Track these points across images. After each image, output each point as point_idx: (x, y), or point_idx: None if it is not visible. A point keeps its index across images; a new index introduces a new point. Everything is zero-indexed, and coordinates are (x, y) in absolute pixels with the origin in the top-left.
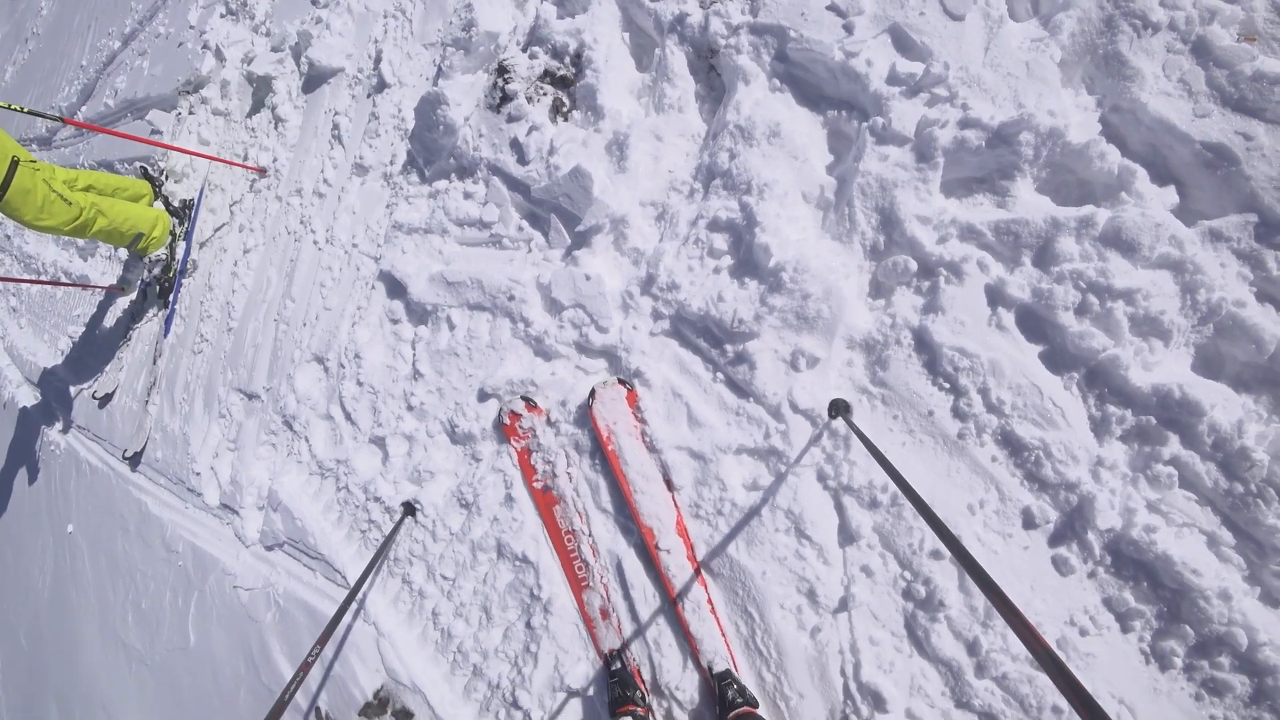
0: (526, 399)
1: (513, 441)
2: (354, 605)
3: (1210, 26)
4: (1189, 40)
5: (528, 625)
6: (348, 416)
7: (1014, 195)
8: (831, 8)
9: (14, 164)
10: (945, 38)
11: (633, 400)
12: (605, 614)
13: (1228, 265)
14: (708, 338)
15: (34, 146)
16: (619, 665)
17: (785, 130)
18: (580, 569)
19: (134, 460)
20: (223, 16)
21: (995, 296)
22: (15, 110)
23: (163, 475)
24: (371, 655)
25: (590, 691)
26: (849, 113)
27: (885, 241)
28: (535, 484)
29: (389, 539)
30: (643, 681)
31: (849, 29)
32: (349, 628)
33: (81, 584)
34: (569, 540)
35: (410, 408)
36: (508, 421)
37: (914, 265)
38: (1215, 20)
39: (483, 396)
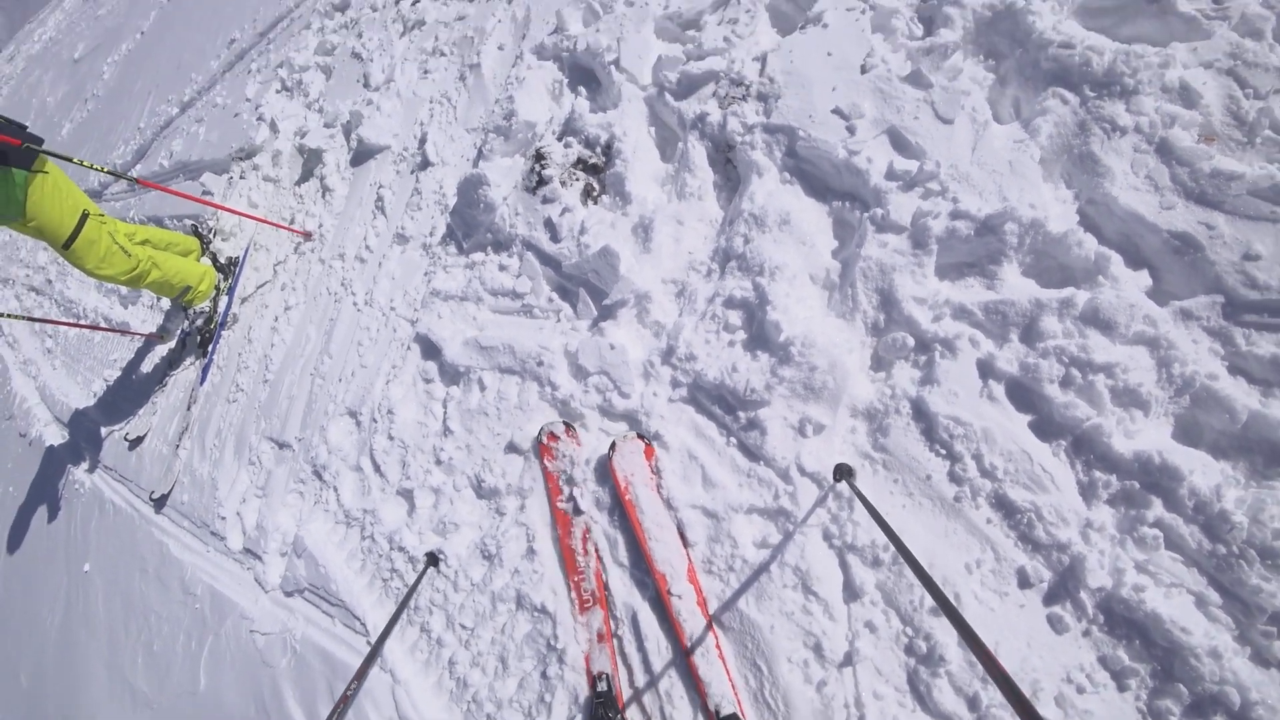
0: (568, 424)
1: (545, 460)
2: (371, 651)
3: (1172, 130)
4: (1153, 142)
5: (543, 675)
6: (377, 469)
7: (1001, 278)
8: (836, 111)
9: (84, 216)
10: (937, 139)
11: (650, 454)
12: (601, 637)
13: (1199, 341)
14: (722, 405)
15: None
16: (605, 687)
17: (795, 218)
18: (585, 593)
19: (160, 502)
20: (278, 92)
21: (986, 370)
22: (91, 169)
23: (187, 518)
24: (386, 702)
25: None
26: (851, 204)
27: (885, 320)
28: (560, 504)
29: (413, 587)
30: (624, 706)
31: (851, 130)
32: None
33: (93, 624)
34: (581, 560)
35: (439, 462)
36: (545, 441)
37: (911, 341)
38: (1176, 124)
39: (510, 450)
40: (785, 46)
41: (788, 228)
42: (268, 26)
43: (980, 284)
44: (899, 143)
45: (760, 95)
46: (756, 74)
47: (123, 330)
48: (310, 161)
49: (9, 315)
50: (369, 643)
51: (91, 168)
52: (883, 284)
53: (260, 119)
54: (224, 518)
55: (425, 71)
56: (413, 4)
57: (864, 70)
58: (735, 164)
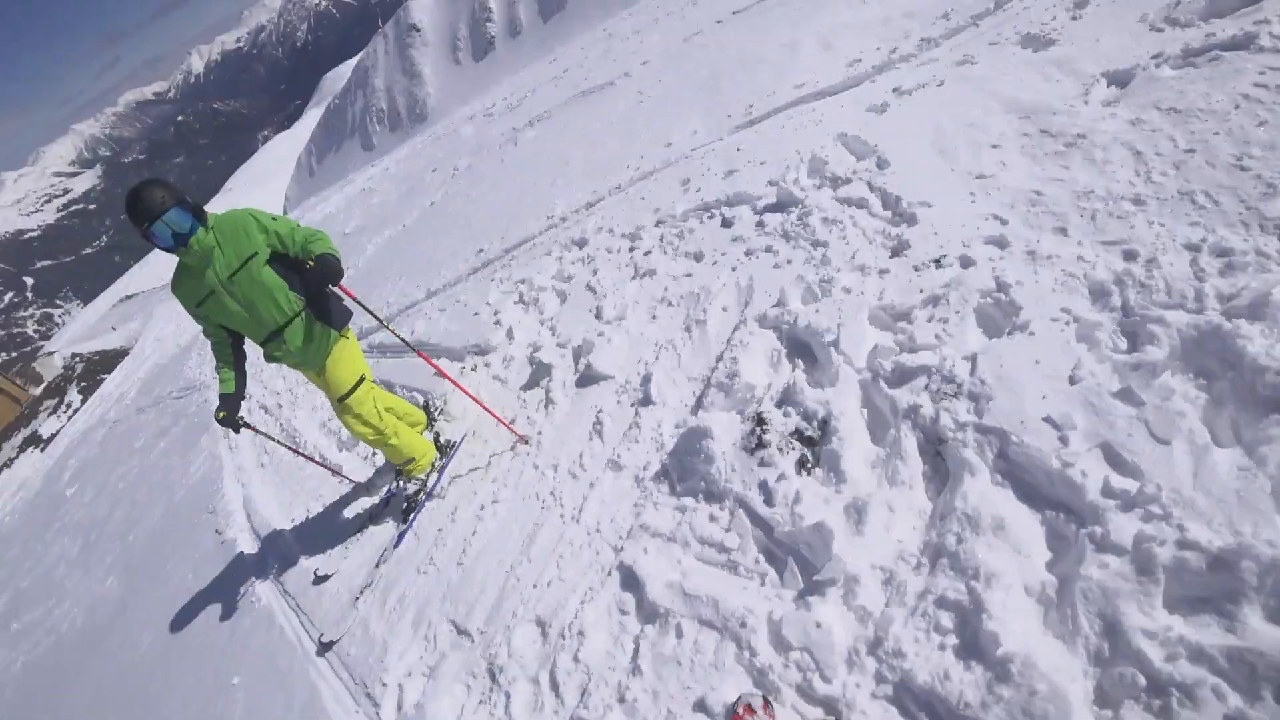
0: (767, 698)
1: None
2: None
3: None
4: None
5: None
6: (555, 688)
7: (1243, 621)
8: (1047, 419)
9: (361, 379)
10: (1155, 459)
11: None
12: None
13: None
14: (929, 713)
15: None
16: None
17: (1009, 524)
18: None
19: (326, 646)
20: (516, 303)
21: None
22: (384, 326)
23: (347, 671)
24: None
25: None
26: (1066, 516)
27: (1109, 649)
28: None
29: None
30: None
31: (1064, 440)
32: None
33: None
34: None
35: (621, 700)
36: (740, 712)
37: (1142, 680)
38: None
39: (698, 709)
40: (994, 349)
41: (1002, 533)
42: (514, 245)
43: (1218, 624)
44: (1114, 459)
45: (971, 395)
46: (968, 373)
47: (335, 470)
48: (539, 373)
49: (247, 425)
50: None
51: (393, 333)
52: (1105, 609)
53: (498, 323)
54: (385, 684)
55: (654, 316)
56: (645, 254)
57: (1073, 381)
58: (945, 458)
